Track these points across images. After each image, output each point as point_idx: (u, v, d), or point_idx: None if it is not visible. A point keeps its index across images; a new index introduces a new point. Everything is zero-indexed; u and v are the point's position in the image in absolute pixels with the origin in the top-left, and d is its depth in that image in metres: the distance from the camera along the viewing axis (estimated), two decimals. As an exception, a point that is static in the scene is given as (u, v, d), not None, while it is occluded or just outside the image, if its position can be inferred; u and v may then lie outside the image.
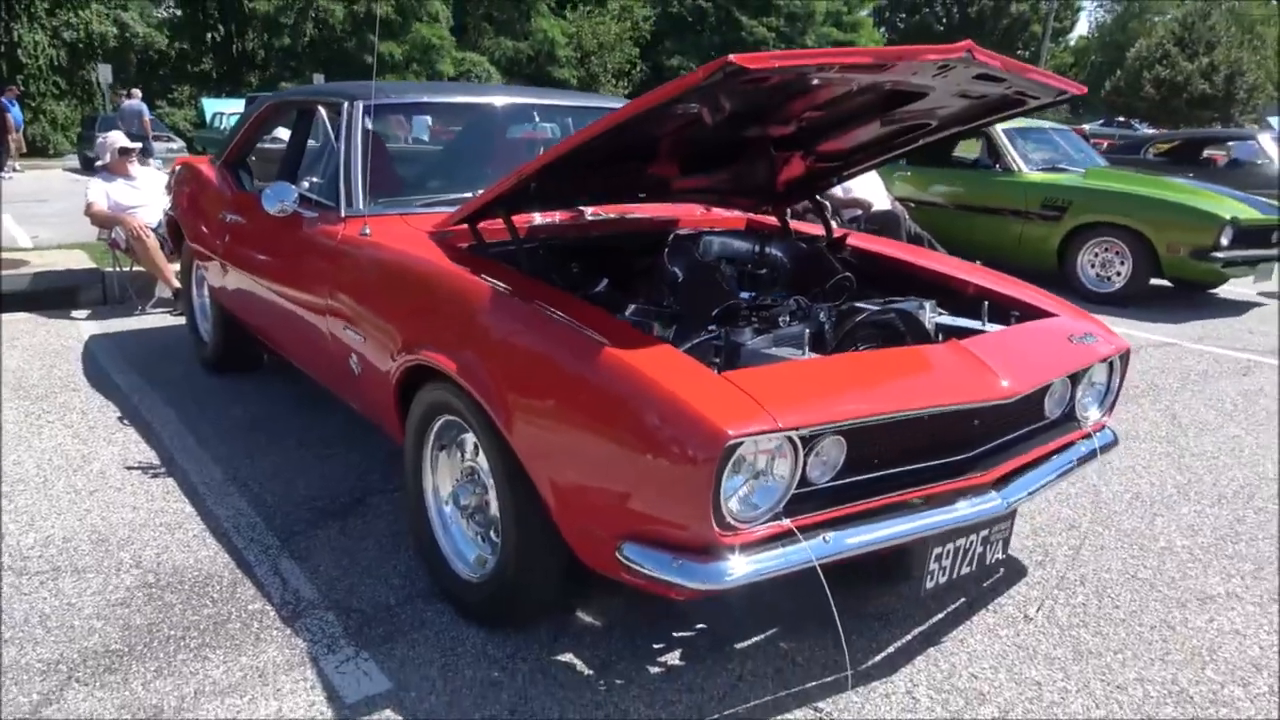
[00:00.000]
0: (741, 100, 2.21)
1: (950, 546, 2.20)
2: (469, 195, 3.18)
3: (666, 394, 1.85)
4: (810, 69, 1.98)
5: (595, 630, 2.40)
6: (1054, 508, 3.25)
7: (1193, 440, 4.06)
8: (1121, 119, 28.84)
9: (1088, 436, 2.57)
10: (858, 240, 3.31)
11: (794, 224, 3.47)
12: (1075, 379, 2.52)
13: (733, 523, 1.84)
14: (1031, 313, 2.74)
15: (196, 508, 3.04)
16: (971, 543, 2.25)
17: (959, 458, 2.20)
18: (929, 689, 2.20)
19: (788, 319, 2.41)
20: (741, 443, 1.78)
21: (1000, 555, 2.35)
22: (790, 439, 1.85)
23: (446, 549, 2.51)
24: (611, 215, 3.23)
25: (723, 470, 1.77)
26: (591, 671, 2.23)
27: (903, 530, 2.04)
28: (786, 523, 1.90)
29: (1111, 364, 2.64)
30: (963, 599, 2.61)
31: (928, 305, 2.70)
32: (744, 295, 2.85)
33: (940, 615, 2.53)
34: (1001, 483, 2.24)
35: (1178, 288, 7.57)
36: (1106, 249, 7.18)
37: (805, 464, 1.91)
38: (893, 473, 2.10)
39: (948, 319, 2.70)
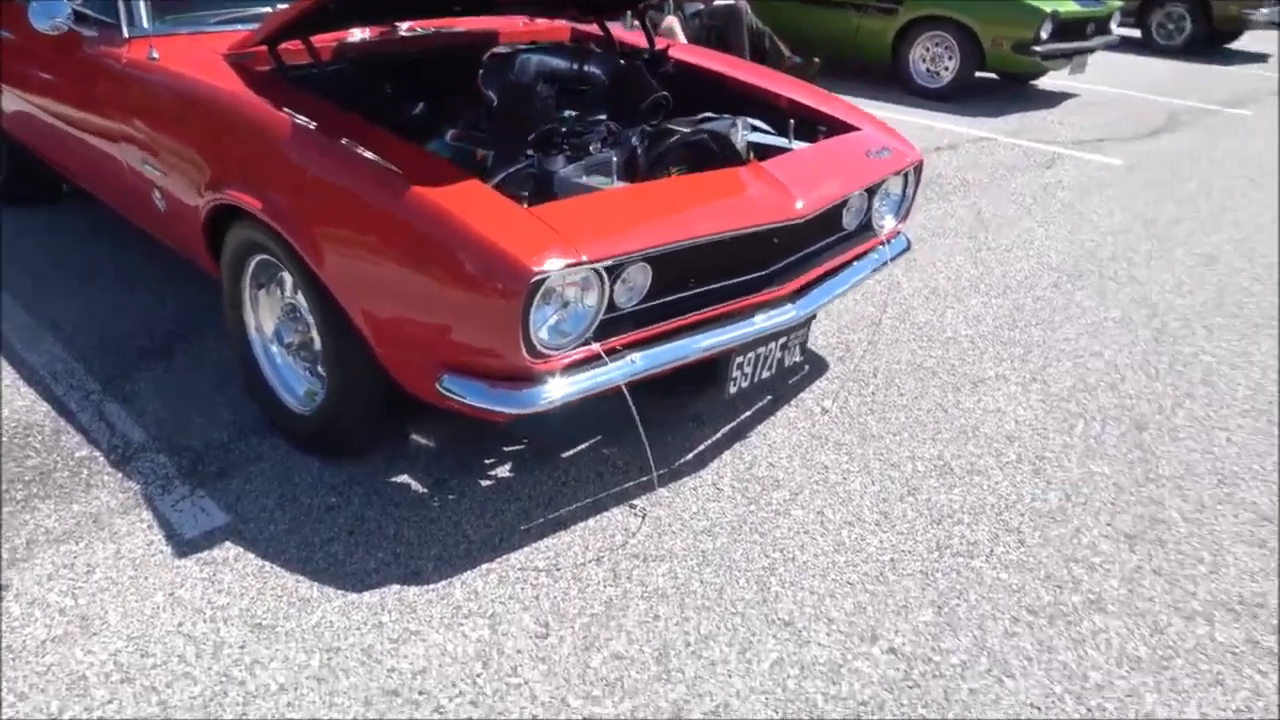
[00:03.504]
0: None
1: (751, 355, 2.41)
2: (267, 9, 2.98)
3: (474, 232, 1.90)
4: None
5: (428, 451, 2.54)
6: (859, 305, 3.54)
7: (991, 235, 4.42)
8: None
9: (882, 244, 2.78)
10: (680, 53, 3.30)
11: (619, 33, 3.42)
12: (872, 191, 2.70)
13: (544, 351, 1.96)
14: (838, 127, 2.87)
15: (5, 356, 2.93)
16: (770, 350, 2.46)
17: (759, 274, 2.36)
18: (732, 479, 2.48)
19: (599, 146, 2.45)
20: (547, 277, 1.86)
21: (797, 358, 2.59)
22: (596, 270, 1.95)
23: (276, 384, 2.55)
24: (427, 30, 3.09)
25: (530, 304, 1.87)
26: (425, 490, 2.39)
27: (705, 346, 2.22)
28: (596, 347, 2.03)
29: (906, 175, 2.82)
30: (769, 396, 2.88)
31: (740, 123, 2.78)
32: (566, 113, 2.85)
33: (748, 413, 2.79)
34: (798, 294, 2.44)
35: (1001, 79, 7.90)
36: (937, 44, 7.35)
37: (612, 292, 2.03)
38: (697, 293, 2.24)
39: (758, 137, 2.79)
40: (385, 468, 2.46)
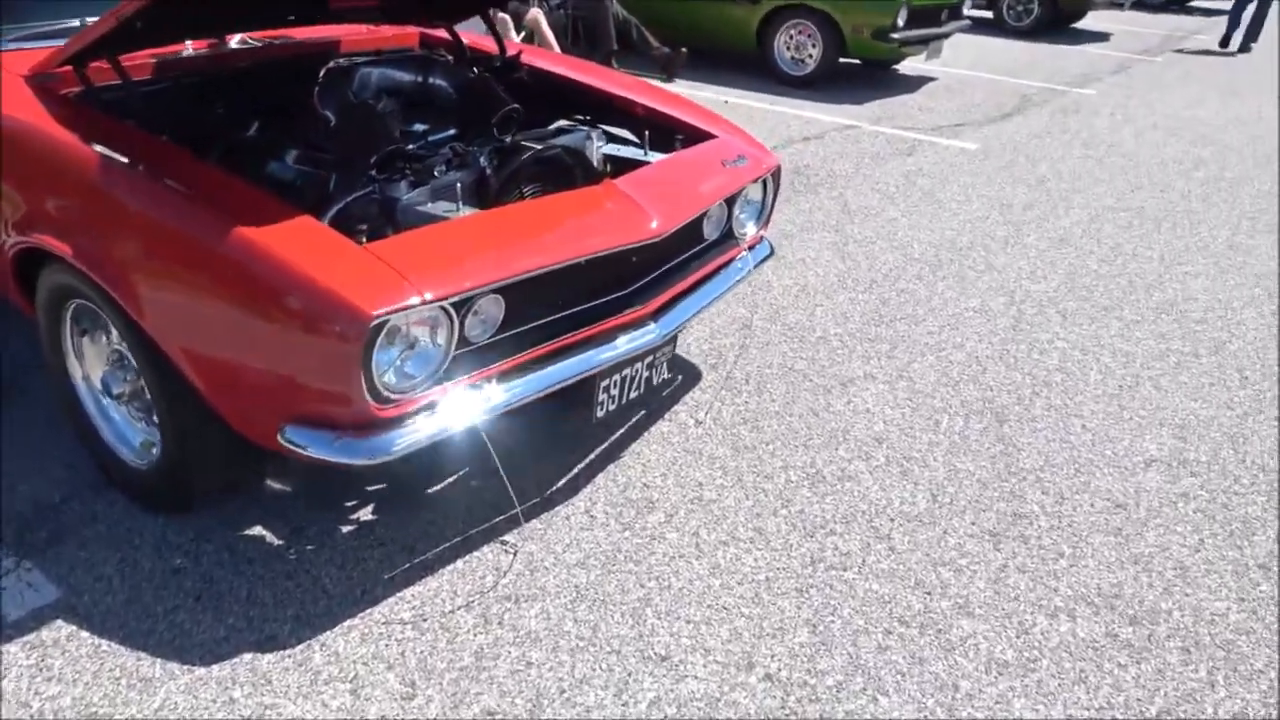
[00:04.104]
0: None
1: (617, 378, 2.35)
2: (75, 24, 2.73)
3: (305, 276, 1.77)
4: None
5: (285, 497, 2.39)
6: (731, 309, 3.53)
7: (857, 227, 4.49)
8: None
9: (745, 253, 2.76)
10: (532, 58, 3.20)
11: (473, 38, 3.29)
12: (731, 200, 2.67)
13: (391, 395, 1.85)
14: (694, 134, 2.83)
15: None
16: (636, 370, 2.41)
17: (619, 294, 2.30)
18: (606, 505, 2.42)
19: (444, 168, 2.33)
20: (387, 321, 1.76)
21: (665, 376, 2.55)
22: (443, 308, 1.85)
23: (109, 436, 2.35)
24: (260, 41, 2.90)
25: (371, 349, 1.76)
26: (281, 541, 2.25)
27: (565, 375, 2.14)
28: (448, 386, 1.94)
29: (765, 182, 2.80)
30: (643, 411, 2.83)
31: (594, 135, 2.71)
32: (418, 127, 2.72)
33: (622, 430, 2.74)
34: (660, 313, 2.39)
35: (864, 65, 8.06)
36: (800, 32, 7.44)
37: (462, 327, 1.93)
38: (555, 319, 2.17)
39: (613, 149, 2.73)
40: (237, 519, 2.30)
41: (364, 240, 2.02)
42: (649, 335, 2.33)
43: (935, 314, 3.59)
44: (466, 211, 2.18)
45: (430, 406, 1.93)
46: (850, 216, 4.62)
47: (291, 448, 1.89)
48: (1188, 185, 5.48)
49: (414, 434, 1.89)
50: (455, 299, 1.86)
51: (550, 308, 2.16)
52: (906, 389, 3.04)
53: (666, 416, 2.82)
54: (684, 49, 7.40)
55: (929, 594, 2.16)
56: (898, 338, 3.39)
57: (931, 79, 8.20)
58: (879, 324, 3.49)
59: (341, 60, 2.70)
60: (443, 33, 3.25)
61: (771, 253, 2.94)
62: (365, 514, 2.36)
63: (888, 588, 2.17)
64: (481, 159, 2.39)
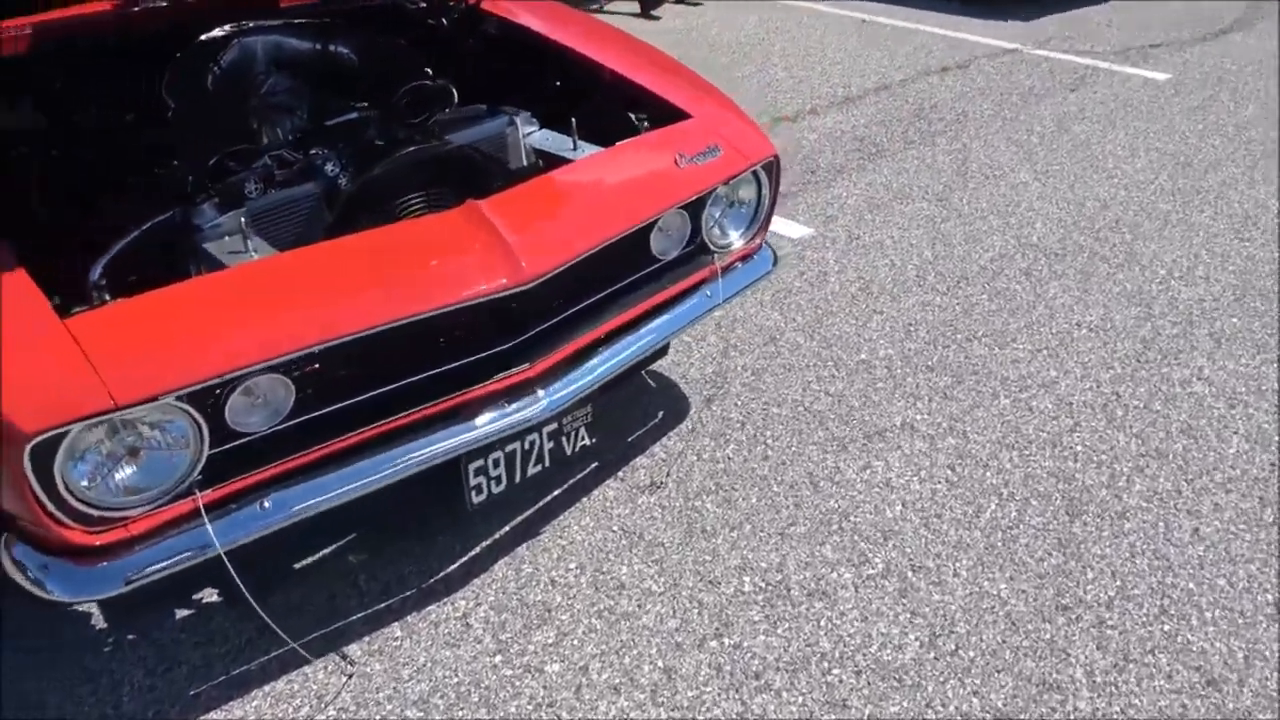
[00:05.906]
0: None
1: (498, 455, 1.81)
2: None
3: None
4: None
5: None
6: (763, 312, 2.85)
7: (969, 195, 3.59)
8: None
9: (717, 275, 2.09)
10: (506, 7, 2.58)
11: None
12: (696, 206, 2.00)
13: (106, 515, 1.42)
14: (666, 113, 2.15)
15: None
16: (532, 443, 1.86)
17: (495, 351, 1.74)
18: (490, 608, 1.91)
19: (259, 186, 1.80)
20: (67, 432, 1.31)
21: (586, 441, 1.97)
22: (172, 404, 1.38)
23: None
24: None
25: (49, 465, 1.32)
26: (103, 628, 1.91)
27: (392, 470, 1.63)
28: (197, 498, 1.48)
29: (757, 178, 2.10)
30: (594, 464, 2.27)
31: (519, 120, 2.12)
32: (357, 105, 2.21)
33: (559, 490, 2.20)
34: (558, 372, 1.80)
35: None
36: (966, -70, 6.22)
37: (220, 418, 1.46)
38: (391, 391, 1.65)
39: (542, 138, 2.12)
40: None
41: (106, 298, 1.57)
42: (532, 408, 1.75)
43: (1032, 331, 2.75)
44: (260, 253, 1.66)
45: (174, 525, 1.48)
46: (965, 180, 3.71)
47: (15, 571, 1.50)
48: None
49: (143, 564, 1.46)
50: (185, 391, 1.38)
51: (383, 379, 1.63)
52: (953, 451, 2.29)
53: (620, 474, 2.25)
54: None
55: (867, 816, 1.52)
56: (966, 368, 2.60)
57: (1137, -18, 6.70)
58: (948, 344, 2.70)
59: (223, 29, 2.18)
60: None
61: (774, 266, 2.24)
62: (211, 594, 1.97)
63: (811, 797, 1.55)
64: (329, 165, 1.85)
